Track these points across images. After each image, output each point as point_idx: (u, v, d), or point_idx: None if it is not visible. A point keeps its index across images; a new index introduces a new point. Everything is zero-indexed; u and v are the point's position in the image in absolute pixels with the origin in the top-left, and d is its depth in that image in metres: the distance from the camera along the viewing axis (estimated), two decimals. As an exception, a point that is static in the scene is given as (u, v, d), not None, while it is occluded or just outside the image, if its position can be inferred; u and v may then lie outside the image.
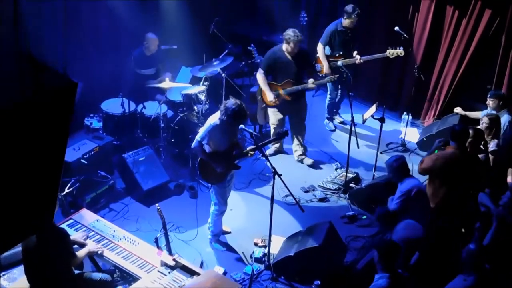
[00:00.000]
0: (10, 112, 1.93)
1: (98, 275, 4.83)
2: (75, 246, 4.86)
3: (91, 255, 4.97)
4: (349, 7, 7.49)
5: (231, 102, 5.28)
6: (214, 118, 5.42)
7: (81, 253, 4.76)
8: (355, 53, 7.62)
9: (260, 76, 6.97)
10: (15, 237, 2.43)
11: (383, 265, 4.38)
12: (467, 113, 7.35)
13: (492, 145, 6.21)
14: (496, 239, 5.08)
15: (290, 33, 6.71)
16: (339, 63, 6.57)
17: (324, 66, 7.58)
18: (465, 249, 4.56)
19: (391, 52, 7.51)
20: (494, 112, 6.65)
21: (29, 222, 2.35)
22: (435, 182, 5.67)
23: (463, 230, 5.85)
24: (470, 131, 5.80)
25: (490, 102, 6.74)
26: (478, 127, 6.31)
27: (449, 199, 5.64)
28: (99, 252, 4.90)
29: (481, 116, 6.59)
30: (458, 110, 7.43)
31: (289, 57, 6.85)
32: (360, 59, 7.54)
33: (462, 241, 5.76)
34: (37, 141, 2.11)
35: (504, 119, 6.55)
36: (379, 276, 4.37)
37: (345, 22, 7.55)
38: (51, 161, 2.24)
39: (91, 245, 4.90)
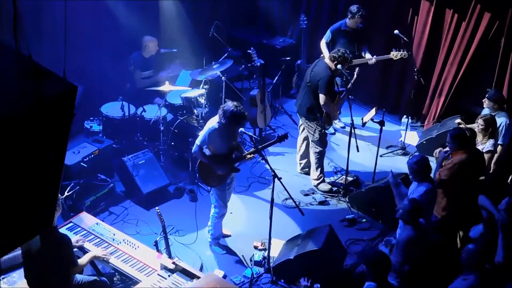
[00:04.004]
0: (10, 116, 1.93)
1: (97, 278, 4.81)
2: (75, 249, 4.85)
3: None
4: (353, 7, 7.50)
5: (229, 104, 5.25)
6: (213, 122, 5.40)
7: (84, 259, 4.71)
8: (368, 55, 7.62)
9: (328, 100, 6.52)
10: (14, 240, 2.42)
11: (371, 276, 4.34)
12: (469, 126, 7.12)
13: (488, 145, 6.18)
14: (509, 253, 4.83)
15: (346, 55, 6.50)
16: (339, 66, 6.56)
17: None
18: (465, 249, 4.53)
19: (394, 54, 7.53)
20: (488, 112, 6.61)
21: (29, 225, 2.35)
22: (452, 188, 5.57)
23: (460, 232, 5.83)
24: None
25: (486, 102, 6.66)
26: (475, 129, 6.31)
27: (465, 202, 5.60)
28: (105, 258, 4.85)
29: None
30: (462, 125, 6.98)
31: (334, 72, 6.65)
32: (373, 60, 7.51)
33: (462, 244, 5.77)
34: (37, 145, 2.10)
35: (501, 120, 6.50)
36: (367, 285, 4.33)
37: (349, 22, 7.56)
38: (51, 164, 2.24)
39: (96, 251, 4.87)
